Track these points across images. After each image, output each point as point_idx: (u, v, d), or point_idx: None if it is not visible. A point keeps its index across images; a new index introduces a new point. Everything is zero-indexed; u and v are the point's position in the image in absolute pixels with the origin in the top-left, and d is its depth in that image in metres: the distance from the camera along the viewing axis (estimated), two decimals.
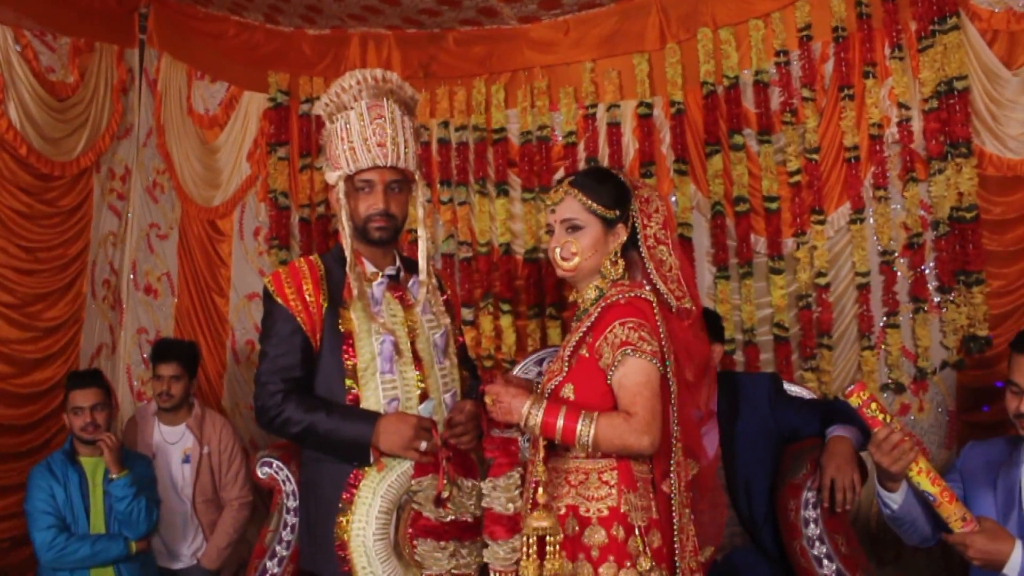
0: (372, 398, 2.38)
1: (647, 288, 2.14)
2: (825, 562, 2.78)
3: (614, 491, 2.07)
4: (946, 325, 3.50)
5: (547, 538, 2.00)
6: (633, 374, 2.03)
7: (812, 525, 2.82)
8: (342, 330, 2.39)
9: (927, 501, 2.18)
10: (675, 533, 2.07)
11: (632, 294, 2.09)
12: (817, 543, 2.80)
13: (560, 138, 4.33)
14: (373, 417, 2.32)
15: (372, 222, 2.41)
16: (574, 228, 2.17)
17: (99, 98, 4.58)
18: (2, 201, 4.11)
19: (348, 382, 2.38)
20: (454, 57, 4.49)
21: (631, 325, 2.05)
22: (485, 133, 4.42)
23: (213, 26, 4.71)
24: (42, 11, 4.25)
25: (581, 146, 4.27)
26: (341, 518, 2.33)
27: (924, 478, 2.13)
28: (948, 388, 3.52)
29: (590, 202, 2.16)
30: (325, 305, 2.40)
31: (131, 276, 4.95)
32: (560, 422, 2.02)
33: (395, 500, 2.34)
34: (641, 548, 2.02)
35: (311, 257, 2.52)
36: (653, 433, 2.00)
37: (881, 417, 2.13)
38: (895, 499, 2.32)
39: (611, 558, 2.02)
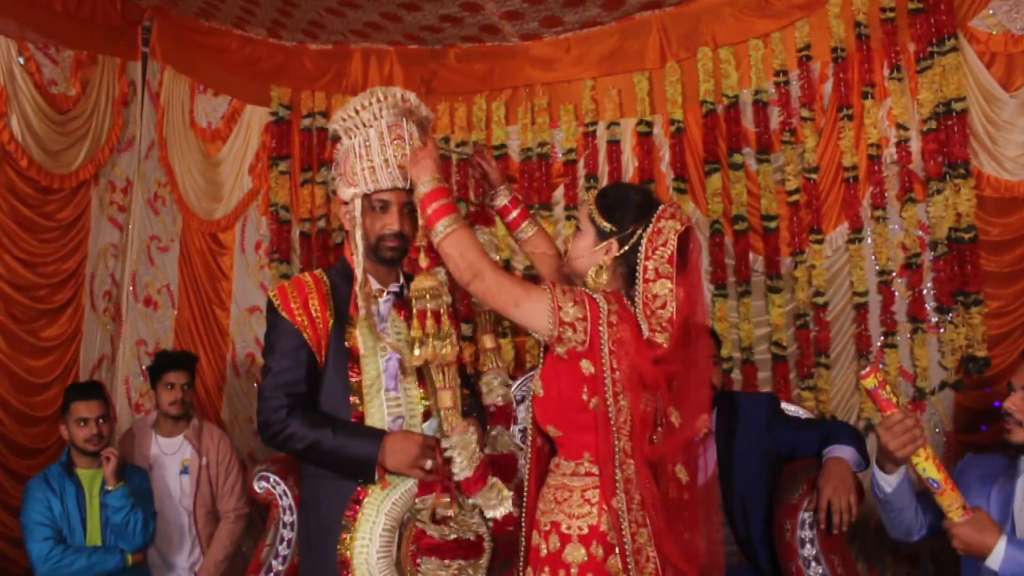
0: (377, 415, 2.38)
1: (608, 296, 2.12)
2: None
3: (595, 509, 2.07)
4: (944, 345, 3.51)
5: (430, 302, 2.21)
6: (530, 284, 2.12)
7: (808, 545, 2.81)
8: (348, 347, 2.39)
9: (928, 488, 2.18)
10: (627, 554, 2.03)
11: (587, 291, 2.11)
12: (813, 564, 2.79)
13: (560, 155, 4.35)
14: (379, 435, 2.32)
15: (385, 241, 2.41)
16: (577, 231, 2.24)
17: (100, 110, 4.60)
18: (2, 214, 4.13)
19: (353, 399, 2.38)
20: (455, 73, 4.51)
21: (573, 289, 2.09)
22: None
23: (216, 40, 4.73)
24: (45, 24, 4.28)
25: (581, 163, 4.28)
26: (344, 535, 2.32)
27: (930, 464, 2.14)
28: (946, 408, 3.52)
29: (590, 209, 2.21)
30: (331, 321, 2.40)
31: (131, 288, 4.96)
32: (432, 207, 2.17)
33: (399, 518, 2.34)
34: (621, 567, 2.02)
35: (315, 272, 2.52)
36: (480, 282, 2.08)
37: (895, 400, 2.14)
38: (890, 482, 2.36)
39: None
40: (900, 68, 3.60)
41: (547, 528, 2.12)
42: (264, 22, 4.46)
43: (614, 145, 4.21)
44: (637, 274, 2.12)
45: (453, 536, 2.30)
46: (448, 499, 2.29)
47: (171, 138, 4.89)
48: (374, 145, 2.34)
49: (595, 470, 2.09)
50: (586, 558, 2.04)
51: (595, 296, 2.08)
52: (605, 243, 2.16)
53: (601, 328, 2.04)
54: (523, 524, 2.26)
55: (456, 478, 2.25)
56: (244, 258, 4.78)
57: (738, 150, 3.94)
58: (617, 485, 2.05)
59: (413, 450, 2.29)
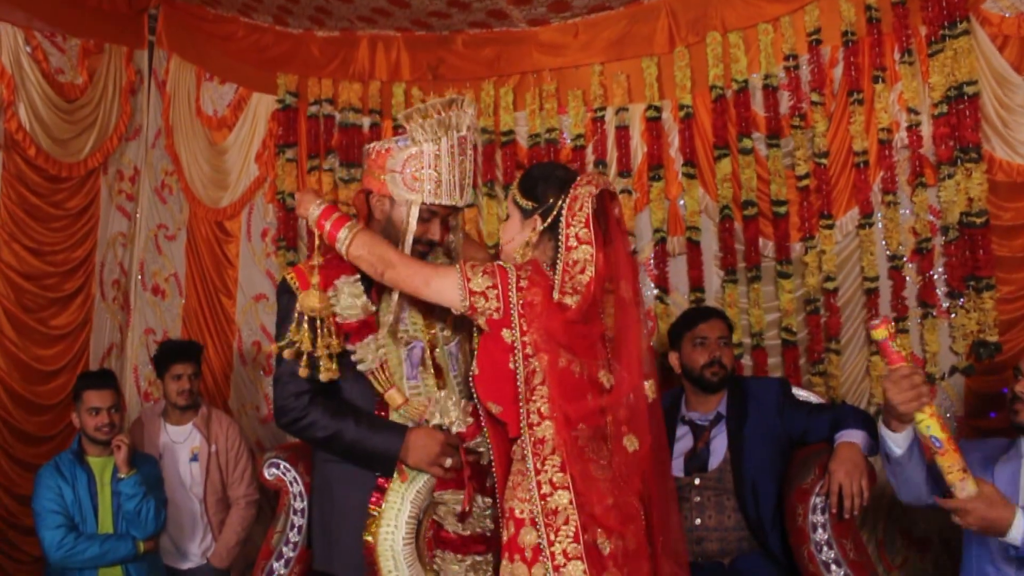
0: (400, 399, 2.39)
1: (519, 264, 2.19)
2: (833, 567, 2.77)
3: None
4: (955, 331, 3.49)
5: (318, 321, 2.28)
6: (436, 265, 2.27)
7: (820, 530, 2.81)
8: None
9: (930, 448, 2.18)
10: (537, 515, 2.04)
11: (500, 263, 2.19)
12: (825, 548, 2.79)
13: (568, 141, 4.33)
14: (402, 430, 2.32)
15: (419, 245, 2.41)
16: (505, 219, 2.32)
17: (107, 99, 4.60)
18: (12, 203, 4.14)
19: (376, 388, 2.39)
20: (463, 59, 4.50)
21: (482, 263, 2.20)
22: (493, 136, 4.42)
23: (222, 27, 4.72)
24: (52, 12, 4.27)
25: (589, 149, 4.27)
26: (369, 522, 2.33)
27: (934, 422, 2.15)
28: (957, 394, 3.51)
29: (513, 193, 2.29)
30: None
31: (139, 277, 4.96)
32: (328, 223, 2.30)
33: (422, 505, 2.36)
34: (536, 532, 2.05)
35: (331, 256, 2.49)
36: (389, 275, 2.23)
37: (905, 354, 2.15)
38: (898, 442, 2.34)
39: (542, 558, 2.05)
40: (911, 52, 3.57)
41: (507, 515, 2.15)
42: (270, 9, 4.44)
43: (623, 130, 4.20)
44: (560, 243, 2.16)
45: (469, 532, 2.34)
46: (464, 495, 2.32)
47: (177, 126, 4.89)
48: (444, 157, 2.32)
49: None
50: (538, 541, 2.06)
51: (505, 265, 2.15)
52: (529, 220, 2.22)
53: (511, 293, 2.11)
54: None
55: (456, 431, 2.33)
56: (250, 246, 4.78)
57: (748, 135, 3.92)
58: (526, 448, 2.09)
59: (434, 448, 2.29)
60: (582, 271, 2.13)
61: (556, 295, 2.12)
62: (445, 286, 2.16)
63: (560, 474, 2.06)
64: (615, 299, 2.22)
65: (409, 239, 2.35)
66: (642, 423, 2.19)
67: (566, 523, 2.04)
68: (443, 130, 2.31)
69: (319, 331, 2.28)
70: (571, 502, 2.05)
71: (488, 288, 2.12)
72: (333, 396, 2.39)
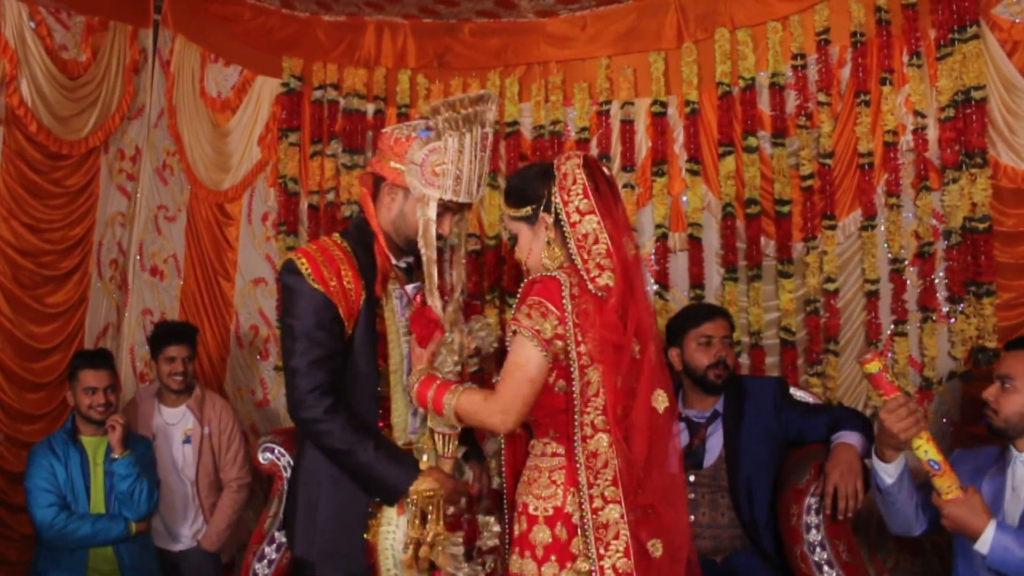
0: (401, 401, 2.37)
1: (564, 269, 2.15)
2: (826, 568, 2.78)
3: (560, 491, 2.09)
4: (954, 336, 3.49)
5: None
6: (512, 353, 2.09)
7: (814, 531, 2.81)
8: (378, 329, 2.35)
9: (928, 471, 2.25)
10: (587, 529, 2.03)
11: (547, 273, 2.13)
12: (818, 549, 2.80)
13: (573, 133, 4.31)
14: (414, 467, 2.28)
15: None
16: (513, 238, 2.27)
17: (110, 78, 4.58)
18: (11, 179, 4.12)
19: (381, 386, 2.35)
20: (469, 48, 4.47)
21: (530, 302, 2.09)
22: (498, 126, 4.40)
23: (228, 9, 4.70)
24: None
25: (594, 142, 4.25)
26: (370, 522, 2.32)
27: (931, 446, 2.22)
28: (954, 399, 3.51)
29: (508, 210, 2.26)
30: (363, 295, 2.34)
31: (138, 257, 4.95)
32: (431, 392, 2.16)
33: (423, 507, 2.32)
34: (583, 549, 2.04)
35: (335, 239, 2.42)
36: (509, 415, 2.04)
37: (897, 384, 2.24)
38: (890, 472, 2.42)
39: (553, 557, 2.05)
40: (920, 54, 3.56)
41: (519, 510, 2.15)
42: None
43: (628, 125, 4.18)
44: (563, 222, 2.14)
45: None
46: (461, 539, 2.30)
47: (181, 107, 4.87)
48: (466, 154, 2.25)
49: (561, 450, 2.11)
50: (551, 539, 2.07)
51: (553, 274, 2.10)
52: (536, 224, 2.20)
53: (565, 301, 2.06)
54: (505, 509, 2.31)
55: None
56: (251, 229, 4.77)
57: (753, 133, 3.90)
58: (579, 461, 2.06)
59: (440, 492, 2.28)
60: (596, 241, 2.11)
61: (590, 286, 2.09)
62: (536, 364, 2.05)
63: (612, 488, 2.05)
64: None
65: (432, 232, 2.28)
66: (665, 374, 2.20)
67: (616, 538, 2.02)
68: (468, 126, 2.24)
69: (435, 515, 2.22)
70: (622, 516, 2.03)
71: (555, 327, 2.06)
72: (340, 380, 2.32)
